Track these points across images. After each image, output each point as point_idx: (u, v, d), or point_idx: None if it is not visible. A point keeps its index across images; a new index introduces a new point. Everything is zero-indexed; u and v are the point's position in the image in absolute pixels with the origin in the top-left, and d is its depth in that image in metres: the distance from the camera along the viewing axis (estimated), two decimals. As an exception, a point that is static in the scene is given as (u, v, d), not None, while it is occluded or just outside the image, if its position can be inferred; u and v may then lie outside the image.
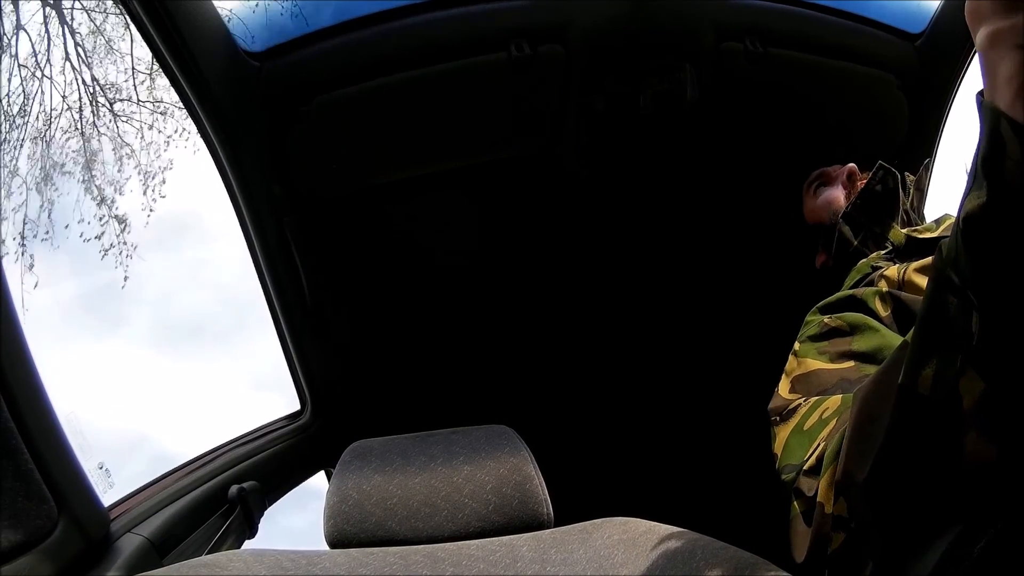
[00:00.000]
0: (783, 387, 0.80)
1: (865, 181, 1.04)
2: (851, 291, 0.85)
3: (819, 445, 0.66)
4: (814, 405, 0.72)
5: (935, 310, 0.46)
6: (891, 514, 0.51)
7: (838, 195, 1.07)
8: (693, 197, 1.25)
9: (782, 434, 0.74)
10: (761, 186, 1.23)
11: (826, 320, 0.83)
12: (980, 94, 0.40)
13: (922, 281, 0.82)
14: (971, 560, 0.46)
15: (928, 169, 1.04)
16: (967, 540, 0.46)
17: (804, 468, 0.66)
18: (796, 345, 0.84)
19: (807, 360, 0.79)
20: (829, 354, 0.78)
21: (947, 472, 0.46)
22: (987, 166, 0.40)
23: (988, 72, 0.40)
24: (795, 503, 0.67)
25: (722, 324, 1.38)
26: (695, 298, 1.36)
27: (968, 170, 0.42)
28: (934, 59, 1.17)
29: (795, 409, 0.74)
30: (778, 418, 0.76)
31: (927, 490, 0.48)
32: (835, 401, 0.70)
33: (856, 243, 0.98)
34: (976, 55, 0.42)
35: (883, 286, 0.83)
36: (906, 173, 1.00)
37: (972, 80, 1.16)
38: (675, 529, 0.54)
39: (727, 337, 1.39)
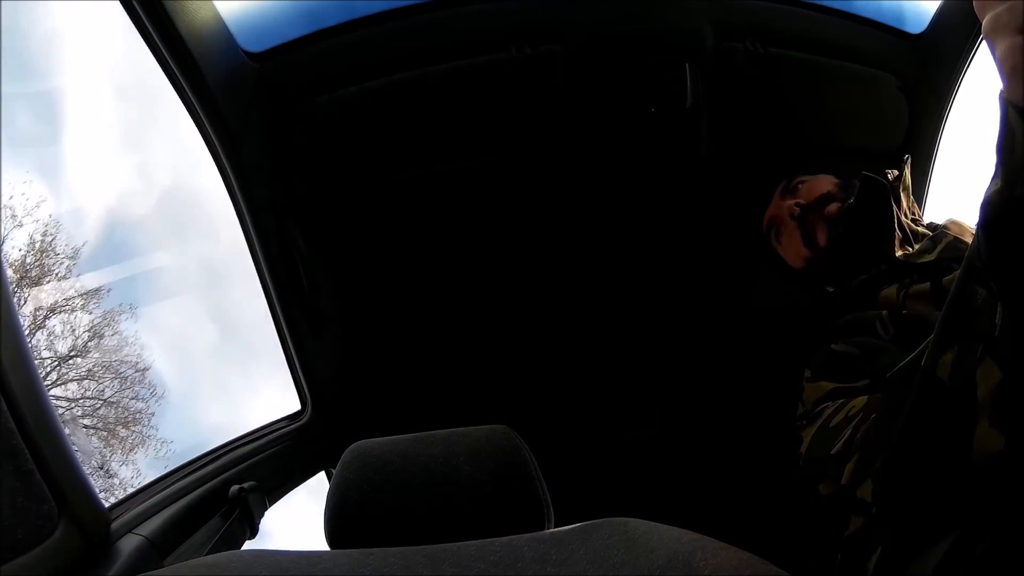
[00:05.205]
0: (807, 402, 0.82)
1: (808, 204, 1.01)
2: (856, 315, 0.86)
3: (847, 433, 0.67)
4: (840, 405, 0.74)
5: (962, 299, 0.47)
6: (905, 501, 0.52)
7: (795, 241, 1.05)
8: (694, 197, 1.25)
9: (808, 434, 0.76)
10: (761, 186, 1.23)
11: (833, 347, 0.84)
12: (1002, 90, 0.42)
13: (921, 307, 0.82)
14: (973, 561, 0.46)
15: (907, 163, 1.01)
16: (969, 541, 0.47)
17: (832, 453, 0.68)
18: (807, 372, 0.84)
19: (822, 384, 0.80)
20: (843, 376, 0.79)
21: (957, 459, 0.46)
22: (1000, 153, 0.41)
23: (994, 58, 0.41)
24: (820, 487, 0.69)
25: (724, 324, 1.38)
26: (695, 298, 1.36)
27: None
28: (934, 59, 1.17)
29: (821, 411, 0.76)
30: (804, 421, 0.78)
31: (938, 478, 0.49)
32: (861, 401, 0.72)
33: (852, 268, 0.95)
34: (975, 55, 0.43)
35: (884, 312, 0.84)
36: (887, 172, 0.97)
37: (972, 80, 1.15)
38: (675, 529, 0.53)
39: (729, 337, 1.39)
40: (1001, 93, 0.41)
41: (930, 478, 0.49)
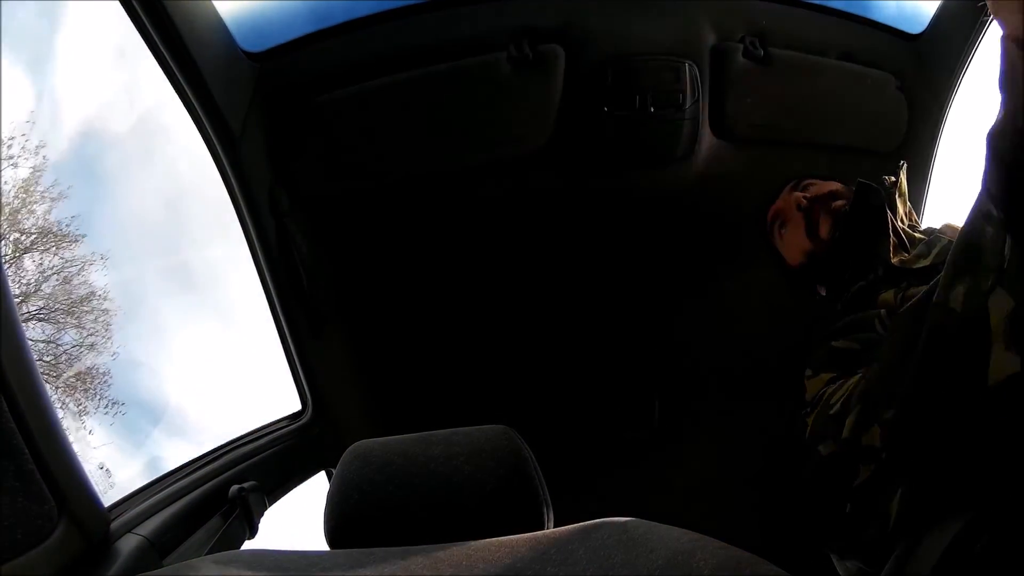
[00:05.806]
0: (809, 397, 0.83)
1: (823, 197, 1.02)
2: (856, 316, 0.87)
3: (843, 396, 0.70)
4: (837, 387, 0.76)
5: (972, 237, 0.50)
6: (922, 435, 0.54)
7: (799, 233, 1.05)
8: (693, 197, 1.25)
9: (811, 418, 0.78)
10: (761, 185, 1.23)
11: (834, 344, 0.85)
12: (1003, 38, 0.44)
13: None
14: (972, 558, 0.46)
15: (903, 168, 1.03)
16: (969, 538, 0.47)
17: (830, 414, 0.70)
18: (808, 371, 0.86)
19: (822, 376, 0.82)
20: (844, 369, 0.81)
21: (973, 384, 0.48)
22: (1004, 90, 0.44)
23: (990, 5, 0.44)
24: (820, 448, 0.70)
25: (727, 325, 1.38)
26: (696, 299, 1.36)
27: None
28: (934, 59, 1.17)
29: (822, 395, 0.78)
30: (809, 408, 0.80)
31: (955, 405, 0.50)
32: (856, 379, 0.73)
33: (848, 274, 0.97)
34: (974, 55, 0.47)
35: (883, 311, 0.85)
36: (884, 178, 0.98)
37: (972, 81, 1.16)
38: (675, 529, 0.53)
39: (731, 338, 1.39)
40: (1003, 38, 0.43)
41: (947, 406, 0.51)
